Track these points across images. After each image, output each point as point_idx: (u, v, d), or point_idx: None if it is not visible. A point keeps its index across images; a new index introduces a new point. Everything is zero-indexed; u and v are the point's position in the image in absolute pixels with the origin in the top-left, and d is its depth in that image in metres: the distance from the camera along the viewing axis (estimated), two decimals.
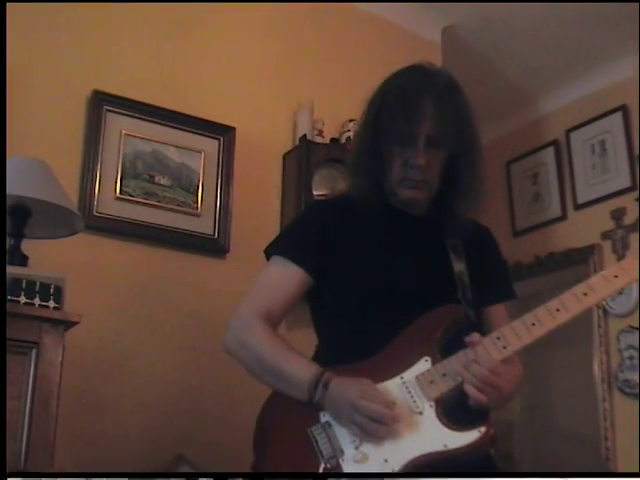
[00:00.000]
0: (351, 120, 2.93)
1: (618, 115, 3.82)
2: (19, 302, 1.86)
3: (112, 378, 2.48)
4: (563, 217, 4.04)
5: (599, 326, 3.69)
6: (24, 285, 1.88)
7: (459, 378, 1.46)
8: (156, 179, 2.72)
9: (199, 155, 2.82)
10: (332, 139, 2.98)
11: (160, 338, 2.59)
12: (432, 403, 1.45)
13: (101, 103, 2.65)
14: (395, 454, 1.41)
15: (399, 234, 1.67)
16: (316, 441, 1.45)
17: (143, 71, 2.79)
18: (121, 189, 2.64)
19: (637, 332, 3.52)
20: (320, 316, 1.71)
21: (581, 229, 3.91)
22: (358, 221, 1.67)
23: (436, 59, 3.19)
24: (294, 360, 1.53)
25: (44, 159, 2.18)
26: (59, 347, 1.85)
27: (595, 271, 3.63)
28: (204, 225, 2.77)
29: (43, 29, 2.62)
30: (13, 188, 2.01)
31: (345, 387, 1.44)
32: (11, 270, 1.92)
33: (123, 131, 2.69)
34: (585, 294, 1.51)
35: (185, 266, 2.71)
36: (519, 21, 3.58)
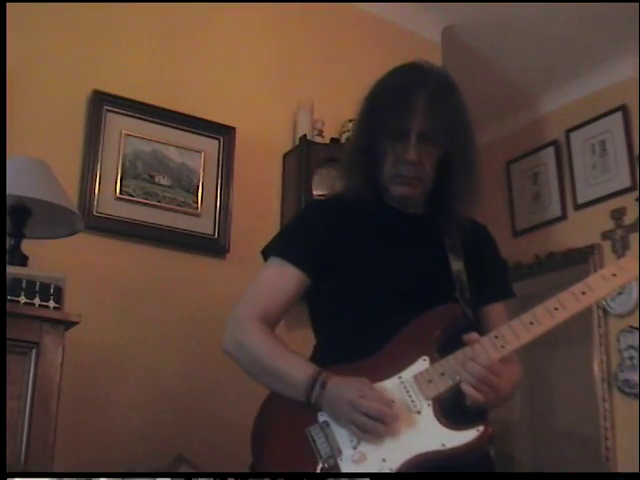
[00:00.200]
0: (351, 120, 2.90)
1: (618, 115, 3.82)
2: (19, 302, 1.86)
3: (112, 378, 2.48)
4: (563, 217, 4.04)
5: (599, 326, 3.69)
6: (24, 285, 1.88)
7: (457, 377, 1.46)
8: (156, 179, 2.72)
9: (199, 155, 2.82)
10: (332, 139, 2.98)
11: (160, 338, 2.59)
12: (430, 402, 1.45)
13: (101, 103, 2.65)
14: (393, 453, 1.40)
15: (397, 233, 1.67)
16: (314, 441, 1.44)
17: (143, 71, 2.80)
18: (121, 189, 2.64)
19: (637, 332, 3.52)
20: (318, 316, 1.71)
21: (581, 229, 3.91)
22: (355, 220, 1.67)
23: (436, 59, 3.20)
24: (291, 360, 1.53)
25: (44, 159, 2.18)
26: (59, 347, 1.85)
27: (595, 271, 3.62)
28: (204, 225, 2.77)
29: (43, 29, 2.62)
30: (13, 188, 2.01)
31: (344, 387, 1.44)
32: (11, 270, 1.92)
33: (123, 131, 2.69)
34: (583, 293, 1.51)
35: (185, 266, 2.71)
36: (519, 21, 3.58)
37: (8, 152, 2.14)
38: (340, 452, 1.43)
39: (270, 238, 1.75)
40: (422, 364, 1.49)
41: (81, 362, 2.33)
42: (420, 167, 1.63)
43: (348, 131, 2.98)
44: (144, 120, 2.73)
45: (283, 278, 1.64)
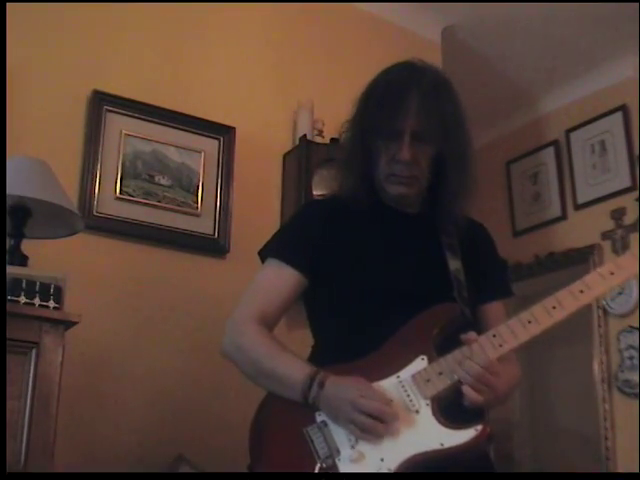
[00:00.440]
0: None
1: (618, 115, 3.82)
2: (19, 302, 1.86)
3: (112, 378, 2.48)
4: (563, 217, 4.04)
5: (599, 326, 3.69)
6: (24, 285, 1.88)
7: (455, 376, 1.46)
8: (156, 179, 2.72)
9: (199, 155, 2.82)
10: (332, 139, 2.98)
11: (160, 338, 2.59)
12: (428, 402, 1.45)
13: (101, 103, 2.65)
14: (391, 453, 1.41)
15: (394, 232, 1.67)
16: (312, 441, 1.44)
17: (143, 71, 2.80)
18: (121, 189, 2.64)
19: (637, 332, 3.52)
20: (316, 316, 1.71)
21: (581, 229, 3.91)
22: (352, 220, 1.67)
23: (436, 59, 3.20)
24: (288, 361, 1.53)
25: (44, 159, 2.19)
26: (59, 347, 1.85)
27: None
28: (204, 225, 2.77)
29: (43, 29, 2.62)
30: (13, 188, 2.02)
31: (342, 386, 1.44)
32: (11, 270, 1.92)
33: (123, 131, 2.69)
34: (581, 291, 1.51)
35: (185, 266, 2.71)
36: (519, 21, 3.58)
37: (8, 152, 2.14)
38: (338, 452, 1.43)
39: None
40: (420, 363, 1.48)
41: (81, 362, 2.33)
42: (415, 166, 1.62)
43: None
44: (144, 120, 2.73)
45: (280, 279, 1.64)
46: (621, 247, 3.66)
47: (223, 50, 3.00)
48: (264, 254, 1.70)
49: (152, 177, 2.71)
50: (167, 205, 2.72)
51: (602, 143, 3.89)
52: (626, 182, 3.73)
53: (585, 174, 3.95)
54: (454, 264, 1.64)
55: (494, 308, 1.70)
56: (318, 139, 2.99)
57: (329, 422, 1.46)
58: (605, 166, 3.86)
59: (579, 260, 3.79)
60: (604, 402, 3.61)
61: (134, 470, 2.33)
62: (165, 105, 2.77)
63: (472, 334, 1.48)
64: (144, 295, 2.60)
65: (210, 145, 2.85)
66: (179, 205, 2.74)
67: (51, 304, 1.91)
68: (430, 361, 1.48)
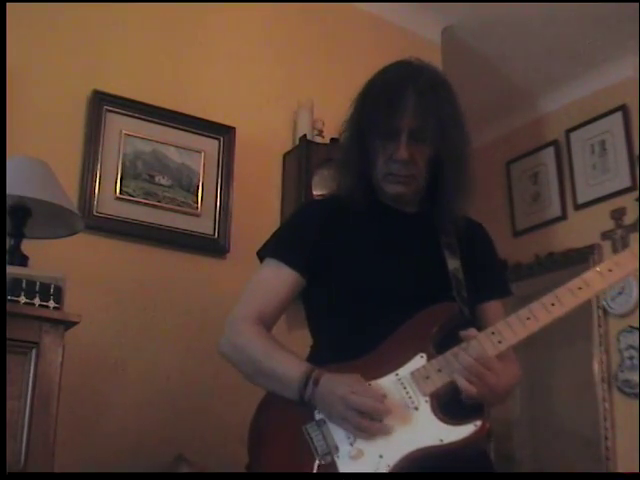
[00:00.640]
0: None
1: (618, 115, 3.82)
2: (19, 302, 1.86)
3: (112, 378, 2.48)
4: (563, 217, 4.04)
5: (599, 326, 3.69)
6: (24, 285, 1.88)
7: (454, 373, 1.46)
8: (156, 179, 2.72)
9: (199, 155, 2.83)
10: (332, 139, 2.98)
11: (160, 338, 2.59)
12: (427, 398, 1.45)
13: (101, 103, 2.65)
14: (390, 449, 1.41)
15: (392, 232, 1.67)
16: (311, 438, 1.45)
17: (143, 71, 2.80)
18: (121, 189, 2.64)
19: (637, 332, 3.52)
20: (314, 316, 1.71)
21: (581, 229, 3.91)
22: (350, 219, 1.67)
23: (436, 59, 3.19)
24: (285, 360, 1.53)
25: (44, 159, 2.18)
26: (59, 347, 1.85)
27: None
28: (204, 225, 2.77)
29: (43, 29, 2.62)
30: (13, 188, 2.02)
31: (335, 383, 1.44)
32: (11, 270, 1.92)
33: (123, 131, 2.69)
34: (580, 288, 1.51)
35: (185, 266, 2.71)
36: (519, 21, 3.58)
37: (8, 152, 2.14)
38: (337, 449, 1.43)
39: None
40: (419, 361, 1.49)
41: (81, 362, 2.33)
42: (412, 165, 1.62)
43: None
44: (144, 120, 2.73)
45: (278, 279, 1.64)
46: (621, 247, 3.66)
47: (223, 50, 3.00)
48: (262, 254, 1.71)
49: (152, 177, 2.71)
50: (167, 205, 2.72)
51: (602, 143, 3.89)
52: (626, 182, 3.73)
53: (585, 174, 3.95)
54: (453, 263, 1.64)
55: (493, 307, 1.70)
56: (318, 139, 2.99)
57: (327, 419, 1.46)
58: (605, 166, 3.86)
59: (579, 260, 3.79)
60: (604, 402, 3.61)
61: (134, 470, 2.32)
62: (165, 105, 2.78)
63: (472, 330, 1.48)
64: (144, 295, 2.60)
65: (210, 145, 2.85)
66: (179, 205, 2.74)
67: (51, 304, 1.90)
68: (429, 359, 1.49)
